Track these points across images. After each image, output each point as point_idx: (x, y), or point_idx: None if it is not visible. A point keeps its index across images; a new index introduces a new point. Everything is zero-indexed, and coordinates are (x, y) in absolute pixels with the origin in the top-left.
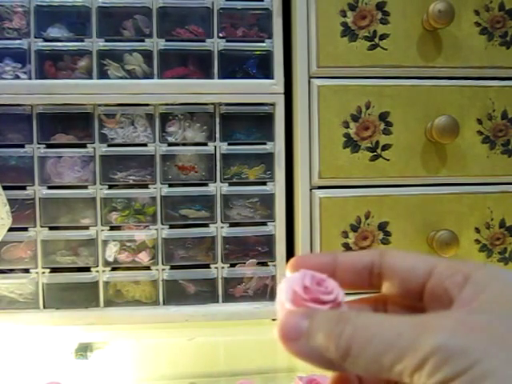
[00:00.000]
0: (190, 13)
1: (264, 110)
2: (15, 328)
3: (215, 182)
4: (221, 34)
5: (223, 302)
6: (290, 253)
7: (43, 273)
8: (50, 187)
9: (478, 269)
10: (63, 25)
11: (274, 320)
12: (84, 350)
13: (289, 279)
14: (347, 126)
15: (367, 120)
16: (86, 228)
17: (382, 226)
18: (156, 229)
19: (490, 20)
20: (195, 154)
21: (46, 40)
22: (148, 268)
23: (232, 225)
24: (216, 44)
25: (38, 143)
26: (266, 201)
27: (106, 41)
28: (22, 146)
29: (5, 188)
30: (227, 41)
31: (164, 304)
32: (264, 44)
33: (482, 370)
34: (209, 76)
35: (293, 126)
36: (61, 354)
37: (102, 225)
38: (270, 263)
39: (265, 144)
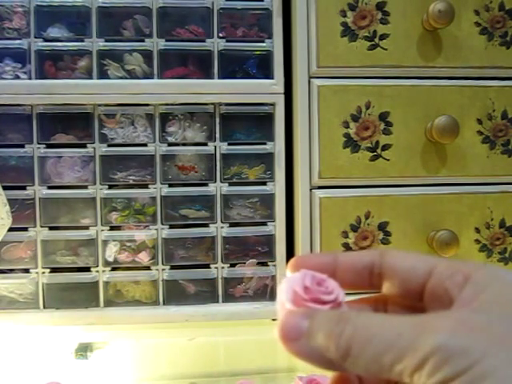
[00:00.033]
0: (190, 13)
1: (264, 110)
2: (15, 328)
3: (215, 182)
4: (221, 34)
5: (223, 301)
6: (290, 253)
7: (43, 273)
8: (49, 187)
9: (478, 269)
10: (63, 25)
11: (274, 320)
12: (84, 349)
13: (289, 279)
14: (347, 126)
15: (367, 120)
16: (86, 228)
17: (382, 226)
18: (156, 229)
19: (490, 20)
20: (195, 154)
21: (46, 40)
22: (148, 268)
23: (232, 225)
24: (216, 44)
25: (38, 143)
26: (265, 201)
27: (106, 41)
28: (22, 146)
29: (5, 188)
30: (227, 41)
31: (164, 304)
32: (264, 44)
33: (482, 369)
34: (209, 76)
35: (293, 125)
36: (61, 354)
37: (102, 225)
38: (270, 263)
39: (265, 144)
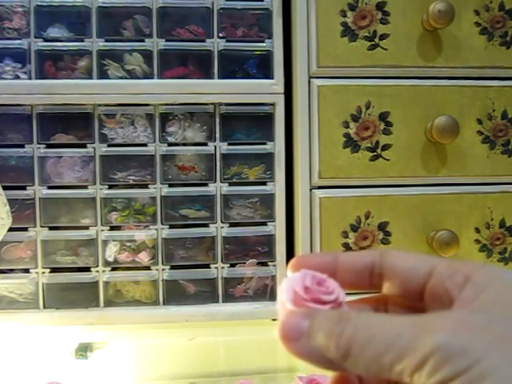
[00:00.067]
0: (190, 13)
1: (264, 110)
2: (15, 328)
3: (215, 182)
4: (221, 34)
5: (223, 301)
6: (290, 253)
7: (43, 273)
8: (50, 187)
9: (478, 269)
10: (63, 25)
11: (274, 320)
12: (84, 349)
13: (289, 279)
14: (347, 126)
15: (367, 120)
16: (86, 228)
17: (382, 226)
18: (156, 229)
19: (490, 20)
20: (195, 154)
21: (46, 40)
22: (148, 268)
23: (232, 225)
24: (216, 44)
25: (38, 143)
26: (265, 201)
27: (106, 41)
28: (22, 146)
29: (5, 188)
30: (227, 41)
31: (164, 304)
32: (264, 44)
33: (482, 369)
34: (209, 76)
35: (293, 125)
36: (61, 354)
37: (102, 225)
38: (270, 263)
39: (265, 144)
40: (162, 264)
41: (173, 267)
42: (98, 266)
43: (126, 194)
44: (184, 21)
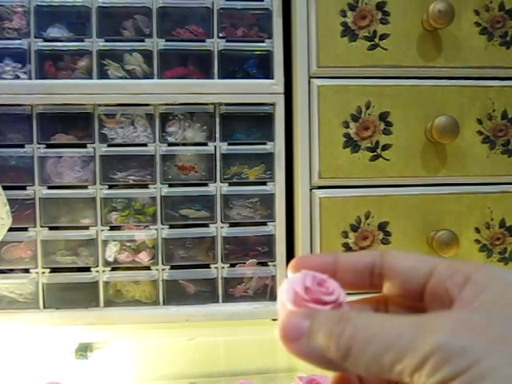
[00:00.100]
0: (190, 13)
1: (264, 110)
2: (15, 328)
3: (215, 182)
4: (221, 34)
5: (223, 301)
6: (290, 253)
7: (43, 273)
8: (50, 187)
9: (479, 269)
10: (63, 25)
11: (274, 320)
12: (84, 349)
13: (290, 280)
14: (347, 126)
15: (367, 120)
16: (86, 228)
17: (382, 226)
18: (156, 229)
19: (490, 20)
20: (195, 154)
21: (46, 40)
22: (148, 268)
23: (232, 225)
24: (216, 44)
25: (38, 143)
26: (266, 201)
27: (106, 41)
28: (22, 146)
29: (5, 188)
30: (227, 41)
31: (164, 304)
32: (264, 44)
33: (482, 369)
34: (209, 76)
35: (293, 125)
36: (61, 354)
37: (102, 225)
38: (270, 263)
39: (265, 144)
40: (162, 264)
41: (173, 267)
42: (98, 266)
43: (125, 194)
44: (184, 21)
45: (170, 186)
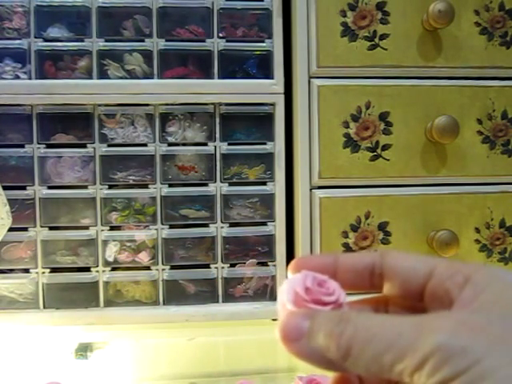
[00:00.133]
0: (190, 13)
1: (264, 110)
2: (15, 328)
3: (215, 182)
4: (221, 34)
5: (223, 301)
6: (290, 253)
7: (43, 273)
8: (50, 187)
9: (478, 269)
10: (63, 25)
11: (274, 320)
12: (84, 349)
13: (290, 280)
14: (347, 126)
15: (367, 120)
16: (86, 228)
17: (382, 226)
18: (156, 229)
19: (490, 20)
20: (195, 154)
21: (46, 40)
22: (148, 268)
23: (232, 225)
24: (216, 44)
25: (38, 143)
26: (265, 201)
27: (106, 41)
28: (22, 146)
29: (5, 188)
30: (227, 41)
31: (164, 304)
32: (264, 44)
33: (482, 369)
34: (209, 76)
35: (293, 125)
36: (61, 354)
37: (102, 225)
38: (270, 263)
39: (265, 144)
40: (162, 264)
41: (173, 267)
42: (97, 266)
43: (125, 194)
44: (184, 21)
45: (170, 185)
